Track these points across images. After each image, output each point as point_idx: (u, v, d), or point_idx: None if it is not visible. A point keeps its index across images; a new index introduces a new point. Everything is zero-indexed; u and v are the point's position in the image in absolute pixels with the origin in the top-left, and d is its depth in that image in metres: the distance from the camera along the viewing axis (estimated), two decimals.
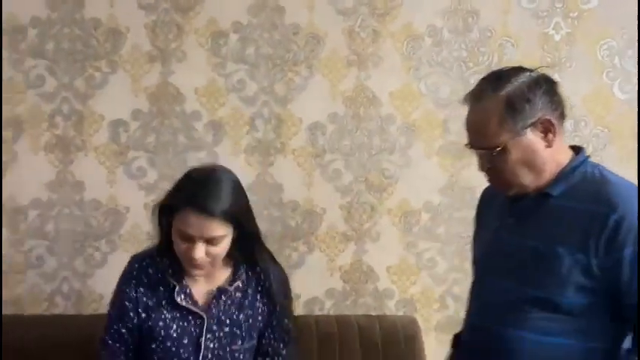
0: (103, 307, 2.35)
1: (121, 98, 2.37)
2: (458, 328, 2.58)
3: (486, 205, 1.68)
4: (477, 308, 1.58)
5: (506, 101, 1.39)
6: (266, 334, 1.67)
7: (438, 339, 2.44)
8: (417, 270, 2.46)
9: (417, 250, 2.46)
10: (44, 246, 2.36)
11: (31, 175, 2.35)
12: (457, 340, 1.67)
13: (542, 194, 1.44)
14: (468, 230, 2.44)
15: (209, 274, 1.62)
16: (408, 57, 2.44)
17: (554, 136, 1.41)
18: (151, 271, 1.63)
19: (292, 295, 1.78)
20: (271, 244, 2.41)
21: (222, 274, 1.64)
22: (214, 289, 1.62)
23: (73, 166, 2.36)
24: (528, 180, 1.43)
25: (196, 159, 2.38)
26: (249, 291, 1.65)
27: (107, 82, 2.36)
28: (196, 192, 1.52)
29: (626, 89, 2.42)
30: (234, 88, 2.40)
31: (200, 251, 1.52)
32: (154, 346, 1.59)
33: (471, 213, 2.47)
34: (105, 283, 2.35)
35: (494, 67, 2.33)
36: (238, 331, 1.62)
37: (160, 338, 1.60)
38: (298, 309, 2.40)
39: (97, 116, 2.36)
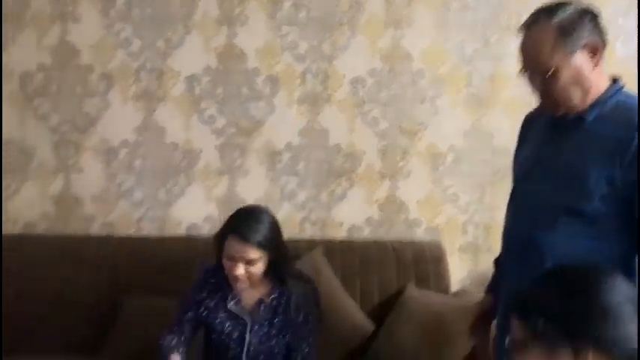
0: (182, 231, 2.84)
1: (195, 57, 2.78)
2: (477, 252, 3.00)
3: (528, 127, 1.75)
4: (513, 213, 1.66)
5: (558, 27, 1.46)
6: (295, 335, 2.00)
7: (461, 259, 2.84)
8: (442, 202, 2.85)
9: (443, 186, 2.84)
10: (132, 180, 2.83)
11: (121, 120, 2.80)
12: (497, 262, 1.76)
13: (578, 117, 1.52)
14: (487, 169, 2.84)
15: (252, 287, 1.97)
16: (437, 19, 2.79)
17: (600, 57, 1.49)
18: (213, 280, 2.01)
19: (318, 308, 2.06)
20: (319, 181, 2.84)
21: (264, 288, 2.00)
22: (256, 299, 1.99)
23: (155, 114, 2.80)
24: (577, 100, 1.50)
25: (256, 108, 2.80)
26: (282, 302, 1.99)
27: (183, 43, 2.78)
28: (240, 224, 1.92)
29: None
30: (287, 47, 2.79)
31: (240, 269, 1.89)
32: (213, 336, 2.00)
33: (490, 155, 2.86)
34: (184, 210, 2.84)
35: (514, 27, 2.67)
36: (273, 331, 1.98)
37: (216, 332, 1.99)
38: (342, 235, 2.84)
39: (174, 72, 2.78)
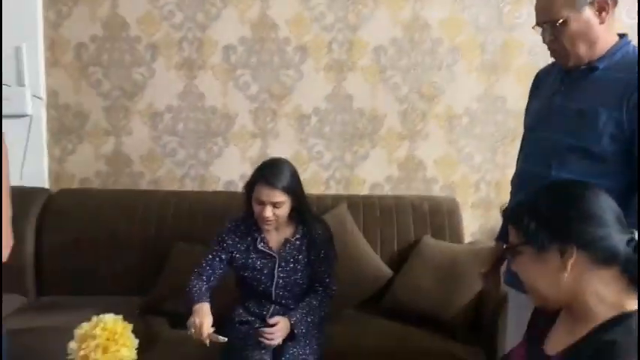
0: (221, 187, 3.15)
1: (231, 28, 3.05)
2: (488, 208, 3.23)
3: (540, 81, 1.88)
4: (525, 155, 1.80)
5: None
6: (316, 268, 2.29)
7: (473, 215, 3.12)
8: (457, 162, 3.10)
9: (458, 147, 3.09)
10: (176, 141, 3.14)
11: (165, 87, 3.09)
12: (505, 213, 1.98)
13: (590, 67, 1.65)
14: (499, 131, 3.07)
15: (278, 229, 2.27)
16: None
17: (608, 14, 1.61)
18: (242, 227, 2.30)
19: (335, 250, 2.33)
20: (343, 142, 3.11)
21: (288, 230, 2.29)
22: (283, 239, 2.28)
23: (196, 81, 3.10)
24: (583, 51, 1.63)
25: (287, 75, 3.08)
26: (304, 241, 2.29)
27: (220, 15, 3.04)
28: (266, 173, 2.20)
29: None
30: (316, 18, 3.04)
31: (268, 211, 2.17)
32: (245, 274, 2.28)
33: (502, 117, 3.09)
34: (222, 169, 3.15)
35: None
36: (299, 267, 2.27)
37: (249, 269, 2.28)
38: (364, 191, 3.13)
39: (213, 42, 3.06)
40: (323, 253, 2.29)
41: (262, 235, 2.29)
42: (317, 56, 3.06)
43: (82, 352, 1.49)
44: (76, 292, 2.83)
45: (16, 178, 2.80)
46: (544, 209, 1.19)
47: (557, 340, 1.20)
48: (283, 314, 2.21)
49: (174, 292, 2.65)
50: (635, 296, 1.14)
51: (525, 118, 1.90)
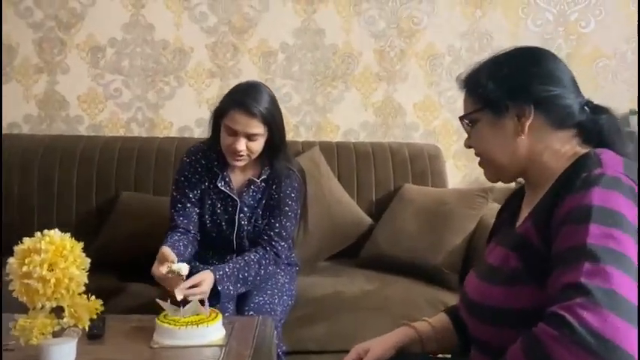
0: (174, 133, 2.97)
1: None
2: (472, 156, 3.18)
3: None
4: None
5: None
6: (269, 219, 2.10)
7: (456, 164, 3.06)
8: (439, 106, 3.04)
9: (440, 89, 3.03)
10: (120, 80, 2.95)
11: (108, 17, 2.90)
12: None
13: None
14: None
15: (244, 167, 2.07)
16: None
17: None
18: (203, 161, 2.09)
19: (299, 209, 2.14)
20: (314, 83, 2.99)
21: (253, 170, 2.11)
22: (246, 180, 2.10)
23: (144, 10, 2.91)
24: None
25: (249, 5, 2.92)
26: (270, 183, 2.10)
27: None
28: (243, 98, 1.98)
29: None
30: None
31: (242, 144, 1.97)
32: (202, 218, 2.10)
33: (487, 56, 3.02)
34: (174, 112, 2.98)
35: None
36: (260, 212, 2.09)
37: (208, 213, 2.09)
38: (338, 138, 3.01)
39: None
40: (283, 206, 2.09)
41: (225, 173, 2.10)
42: None
43: (24, 269, 1.30)
44: (6, 251, 2.58)
45: None
46: (505, 68, 1.21)
47: (523, 216, 1.20)
48: None
49: (120, 242, 2.50)
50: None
51: None
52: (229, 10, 2.92)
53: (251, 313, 1.94)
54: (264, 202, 2.11)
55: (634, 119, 2.95)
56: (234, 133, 1.99)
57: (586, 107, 1.19)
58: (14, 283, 1.32)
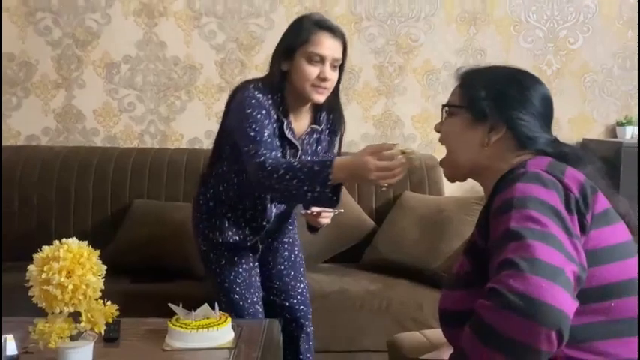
0: (184, 145, 2.97)
1: None
2: None
3: None
4: None
5: None
6: None
7: None
8: (436, 118, 2.98)
9: (437, 102, 3.00)
10: (134, 95, 2.95)
11: (122, 35, 2.91)
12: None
13: None
14: None
15: (302, 114, 1.80)
16: None
17: None
18: (270, 102, 1.74)
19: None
20: None
21: (308, 117, 1.84)
22: (306, 127, 1.83)
23: (156, 29, 2.92)
24: None
25: (255, 24, 2.93)
26: (325, 131, 1.89)
27: None
28: (324, 20, 1.73)
29: None
30: None
31: (330, 72, 1.70)
32: None
33: None
34: (184, 125, 2.98)
35: None
36: (316, 158, 1.84)
37: None
38: (343, 149, 2.99)
39: None
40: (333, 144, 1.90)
41: (289, 119, 1.77)
42: (288, 4, 2.93)
43: (43, 276, 1.30)
44: (26, 257, 2.58)
45: None
46: (500, 84, 1.22)
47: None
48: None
49: (133, 247, 2.50)
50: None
51: None
52: (237, 28, 2.93)
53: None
54: (319, 148, 1.88)
55: (621, 130, 2.96)
56: (322, 60, 1.70)
57: (552, 143, 1.20)
58: (34, 289, 1.32)
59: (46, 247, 1.35)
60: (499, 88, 1.21)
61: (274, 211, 1.89)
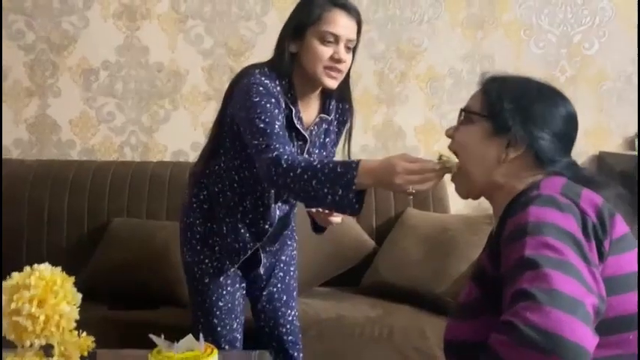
0: (168, 157, 2.97)
1: None
2: None
3: None
4: None
5: None
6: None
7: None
8: (441, 130, 3.01)
9: (441, 112, 3.02)
10: (113, 103, 2.95)
11: (101, 39, 2.91)
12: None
13: None
14: None
15: (311, 103, 1.78)
16: None
17: None
18: (278, 88, 1.72)
19: None
20: None
21: (317, 106, 1.82)
22: (316, 115, 1.81)
23: (138, 32, 2.92)
24: None
25: (246, 27, 2.93)
26: (334, 121, 1.88)
27: None
28: None
29: None
30: None
31: (344, 53, 1.68)
32: None
33: None
34: (168, 136, 2.97)
35: None
36: (324, 151, 1.87)
37: None
38: None
39: None
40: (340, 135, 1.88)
41: (297, 107, 1.76)
42: (280, 6, 2.92)
43: (12, 306, 1.28)
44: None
45: None
46: (527, 98, 1.21)
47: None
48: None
49: (110, 270, 2.48)
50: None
51: None
52: (225, 32, 2.93)
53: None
54: (327, 139, 1.87)
55: None
56: (336, 40, 1.68)
57: (572, 166, 1.21)
58: (2, 320, 1.30)
59: (15, 274, 1.33)
60: (526, 101, 1.21)
61: (278, 212, 1.86)
